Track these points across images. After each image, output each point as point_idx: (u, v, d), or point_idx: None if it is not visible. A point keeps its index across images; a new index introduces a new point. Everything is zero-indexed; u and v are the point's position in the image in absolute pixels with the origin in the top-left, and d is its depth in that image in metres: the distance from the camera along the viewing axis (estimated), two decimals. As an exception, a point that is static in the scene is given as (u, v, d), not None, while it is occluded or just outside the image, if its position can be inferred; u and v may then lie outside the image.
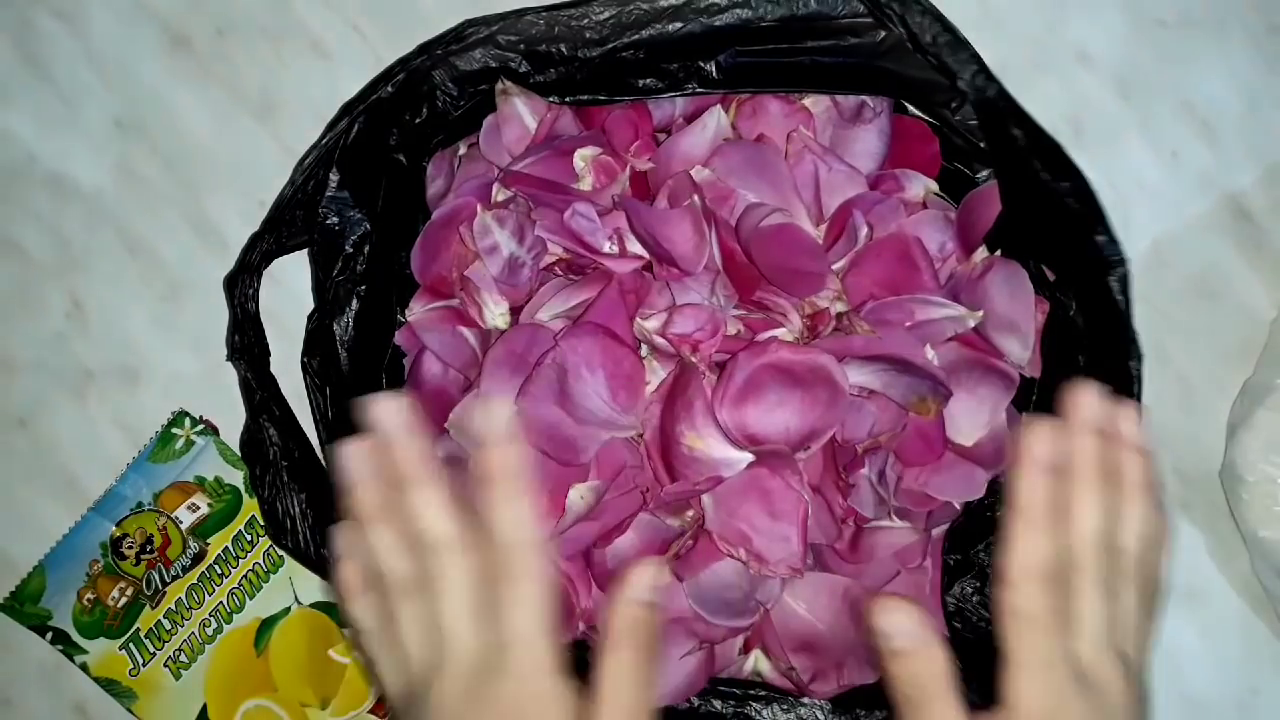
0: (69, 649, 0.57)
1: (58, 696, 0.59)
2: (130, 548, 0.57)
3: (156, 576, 0.57)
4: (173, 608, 0.57)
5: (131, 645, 0.57)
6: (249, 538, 0.57)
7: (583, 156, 0.51)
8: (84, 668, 0.57)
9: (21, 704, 0.60)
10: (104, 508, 0.57)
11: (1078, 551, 0.39)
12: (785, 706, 0.47)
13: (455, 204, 0.52)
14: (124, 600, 0.57)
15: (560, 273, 0.52)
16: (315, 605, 0.57)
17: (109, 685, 0.57)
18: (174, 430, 0.58)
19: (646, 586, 0.39)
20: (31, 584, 0.57)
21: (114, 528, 0.57)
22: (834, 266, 0.50)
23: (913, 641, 0.38)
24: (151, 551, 0.57)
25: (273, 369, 0.51)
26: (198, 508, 0.57)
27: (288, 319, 0.57)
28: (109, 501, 0.57)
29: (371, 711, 0.56)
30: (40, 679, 0.59)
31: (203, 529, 0.57)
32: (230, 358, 0.50)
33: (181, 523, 0.57)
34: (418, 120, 0.52)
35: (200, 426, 0.58)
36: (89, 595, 0.57)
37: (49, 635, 0.57)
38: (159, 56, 0.61)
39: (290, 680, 0.57)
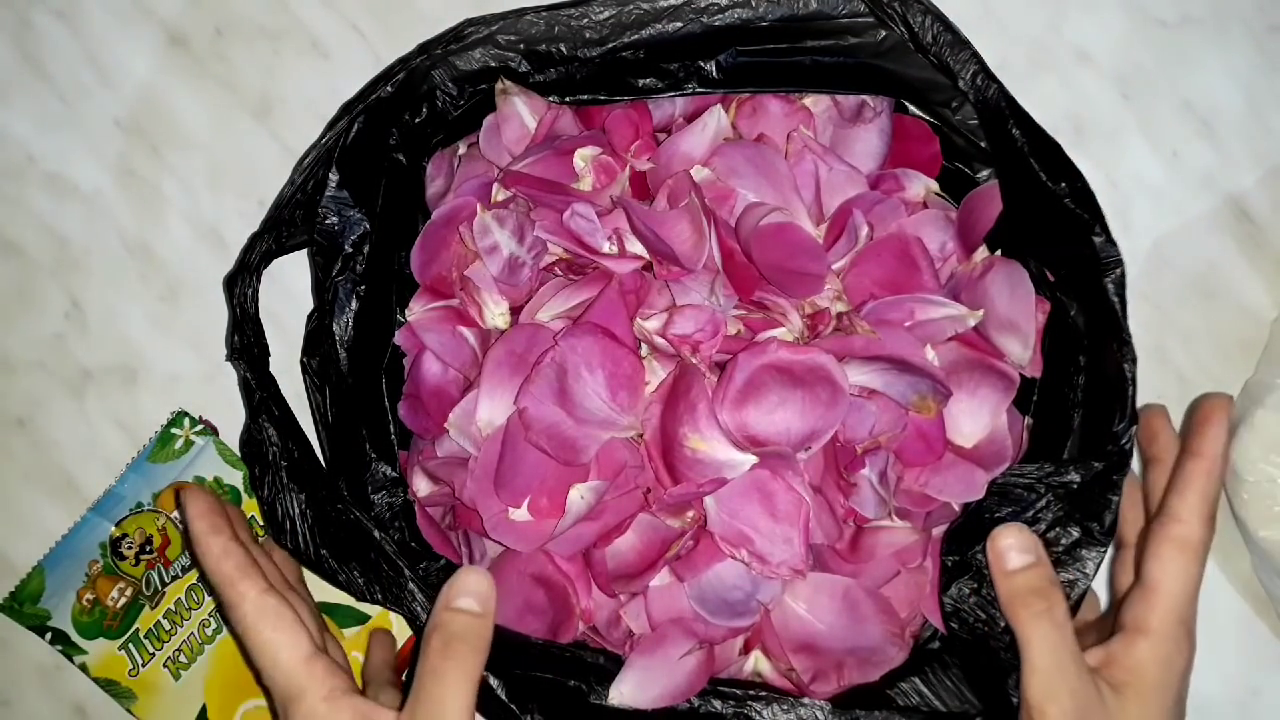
0: (68, 649, 0.57)
1: (57, 697, 0.59)
2: (129, 548, 0.57)
3: (156, 577, 0.57)
4: (172, 608, 0.57)
5: (131, 646, 0.56)
6: (248, 538, 0.57)
7: (583, 156, 0.51)
8: (83, 668, 0.57)
9: (20, 704, 0.60)
10: (103, 508, 0.57)
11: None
12: (785, 707, 0.47)
13: (455, 204, 0.52)
14: (123, 600, 0.57)
15: (560, 273, 0.52)
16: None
17: (108, 686, 0.57)
18: (173, 430, 0.58)
19: (473, 594, 0.43)
20: (30, 584, 0.57)
21: (113, 528, 0.57)
22: (834, 266, 0.50)
23: (1033, 554, 0.45)
24: (151, 552, 0.57)
25: (272, 369, 0.51)
26: (197, 508, 0.57)
27: (288, 319, 0.58)
28: (108, 502, 0.57)
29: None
30: (39, 679, 0.59)
31: (202, 529, 0.57)
32: (230, 358, 0.50)
33: (181, 523, 0.57)
34: (418, 120, 0.52)
35: (200, 427, 0.58)
36: (88, 596, 0.57)
37: (48, 636, 0.57)
38: (158, 56, 0.61)
39: (290, 680, 0.57)
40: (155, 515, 0.57)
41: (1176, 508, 0.46)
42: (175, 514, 0.57)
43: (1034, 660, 0.43)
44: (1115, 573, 0.52)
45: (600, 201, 0.51)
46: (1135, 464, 0.53)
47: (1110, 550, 0.52)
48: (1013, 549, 0.45)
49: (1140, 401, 0.47)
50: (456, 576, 0.44)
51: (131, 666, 0.56)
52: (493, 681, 0.46)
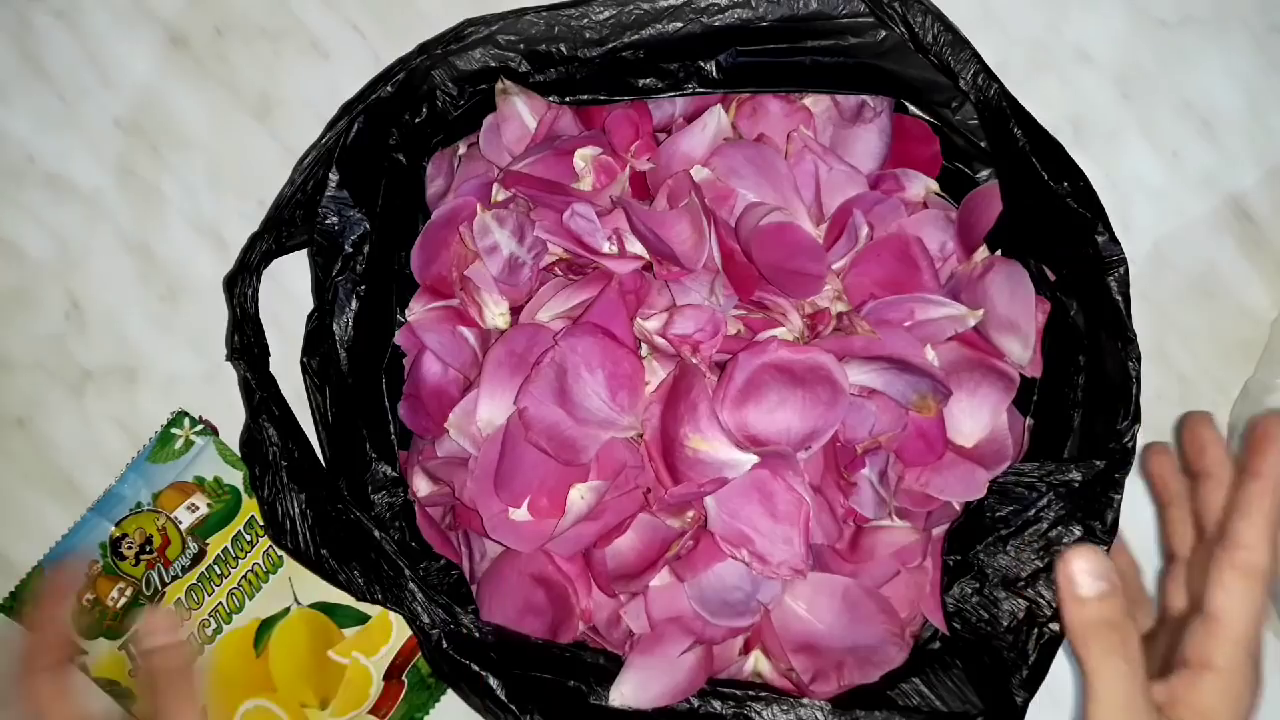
0: (68, 649, 0.57)
1: (57, 697, 0.59)
2: (129, 548, 0.57)
3: (156, 577, 0.57)
4: (172, 608, 0.57)
5: (131, 646, 0.56)
6: (248, 538, 0.57)
7: (583, 156, 0.51)
8: (83, 668, 0.57)
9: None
10: (103, 508, 0.57)
11: None
12: (785, 707, 0.47)
13: (455, 204, 0.52)
14: (123, 600, 0.57)
15: (560, 273, 0.52)
16: (314, 605, 0.57)
17: (108, 686, 0.57)
18: (173, 430, 0.58)
19: (157, 630, 0.47)
20: (31, 584, 0.57)
21: (113, 528, 0.57)
22: (834, 266, 0.50)
23: (1108, 581, 0.42)
24: (151, 552, 0.57)
25: (272, 369, 0.51)
26: (197, 508, 0.57)
27: (288, 319, 0.57)
28: (108, 502, 0.57)
29: (371, 712, 0.56)
30: (39, 679, 0.59)
31: (202, 529, 0.57)
32: (230, 358, 0.50)
33: (181, 523, 0.57)
34: (417, 120, 0.52)
35: (200, 427, 0.58)
36: (88, 595, 0.56)
37: (48, 636, 0.57)
38: (158, 56, 0.61)
39: (290, 681, 0.56)
40: (155, 515, 0.57)
41: (1242, 533, 0.43)
42: (176, 514, 0.57)
43: (1103, 697, 0.41)
44: (1166, 587, 0.50)
45: (600, 201, 0.51)
46: (1168, 463, 0.53)
47: (1160, 564, 0.52)
48: (1086, 573, 0.42)
49: (1140, 402, 0.47)
50: (142, 623, 0.50)
51: (131, 666, 0.56)
52: (493, 682, 0.46)
